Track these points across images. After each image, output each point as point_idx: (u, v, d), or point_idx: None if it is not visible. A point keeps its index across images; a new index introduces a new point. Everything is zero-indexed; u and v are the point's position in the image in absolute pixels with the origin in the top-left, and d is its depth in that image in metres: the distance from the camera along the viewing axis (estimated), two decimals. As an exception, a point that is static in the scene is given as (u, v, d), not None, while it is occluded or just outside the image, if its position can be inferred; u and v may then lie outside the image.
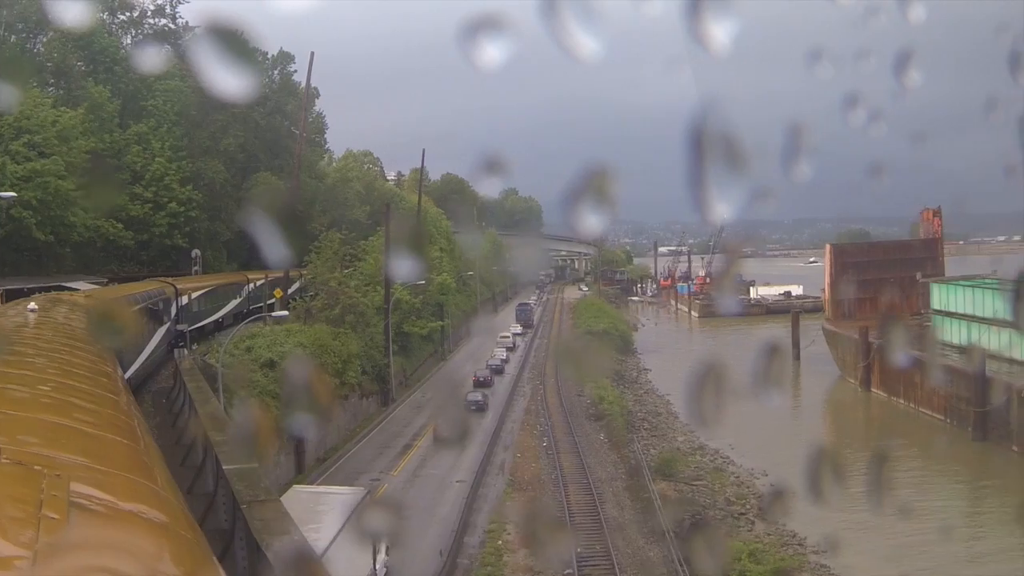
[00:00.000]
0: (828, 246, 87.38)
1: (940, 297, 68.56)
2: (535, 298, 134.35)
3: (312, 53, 55.27)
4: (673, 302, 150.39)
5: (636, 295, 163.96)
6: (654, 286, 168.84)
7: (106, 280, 46.24)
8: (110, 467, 4.94)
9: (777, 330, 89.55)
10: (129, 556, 3.42)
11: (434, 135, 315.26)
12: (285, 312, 39.07)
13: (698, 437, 55.74)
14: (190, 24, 67.06)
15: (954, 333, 66.33)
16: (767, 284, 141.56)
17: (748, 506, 42.85)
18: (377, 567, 25.08)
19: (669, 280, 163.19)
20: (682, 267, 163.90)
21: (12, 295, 33.28)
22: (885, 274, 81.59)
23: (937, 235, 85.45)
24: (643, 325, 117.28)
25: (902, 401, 65.55)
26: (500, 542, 32.54)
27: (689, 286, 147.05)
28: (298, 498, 25.35)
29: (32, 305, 18.23)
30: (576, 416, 54.80)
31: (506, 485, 39.86)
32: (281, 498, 24.64)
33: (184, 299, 41.91)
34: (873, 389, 70.33)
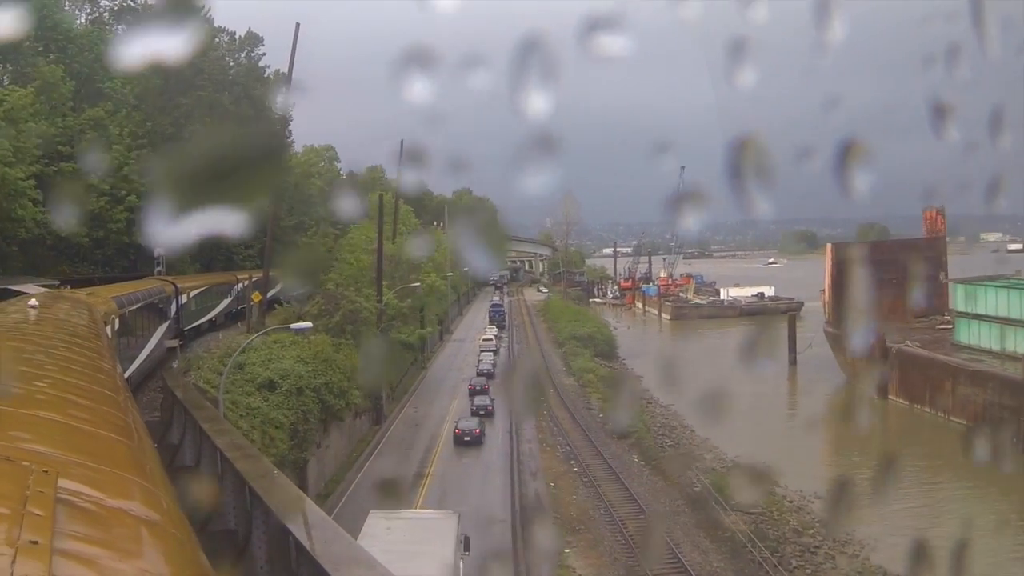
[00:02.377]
0: (829, 246, 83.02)
1: (965, 298, 64.09)
2: (497, 299, 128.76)
3: (298, 24, 48.60)
4: (640, 304, 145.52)
5: (597, 297, 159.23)
6: (615, 288, 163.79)
7: (58, 283, 39.70)
8: (102, 464, 4.80)
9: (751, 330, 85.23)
10: (116, 553, 3.33)
11: (383, 135, 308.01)
12: (309, 324, 32.29)
13: (726, 454, 50.95)
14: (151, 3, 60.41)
15: (982, 336, 62.18)
16: (736, 285, 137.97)
17: (820, 538, 37.68)
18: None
19: (630, 281, 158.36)
20: (641, 268, 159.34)
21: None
22: (888, 274, 77.23)
23: (940, 234, 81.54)
24: (615, 328, 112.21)
25: (927, 409, 61.03)
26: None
27: (656, 287, 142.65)
28: (385, 525, 23.10)
29: (33, 301, 17.97)
30: (595, 433, 49.05)
31: (554, 526, 33.77)
32: (363, 527, 22.92)
33: (183, 298, 40.48)
34: (891, 396, 65.80)
